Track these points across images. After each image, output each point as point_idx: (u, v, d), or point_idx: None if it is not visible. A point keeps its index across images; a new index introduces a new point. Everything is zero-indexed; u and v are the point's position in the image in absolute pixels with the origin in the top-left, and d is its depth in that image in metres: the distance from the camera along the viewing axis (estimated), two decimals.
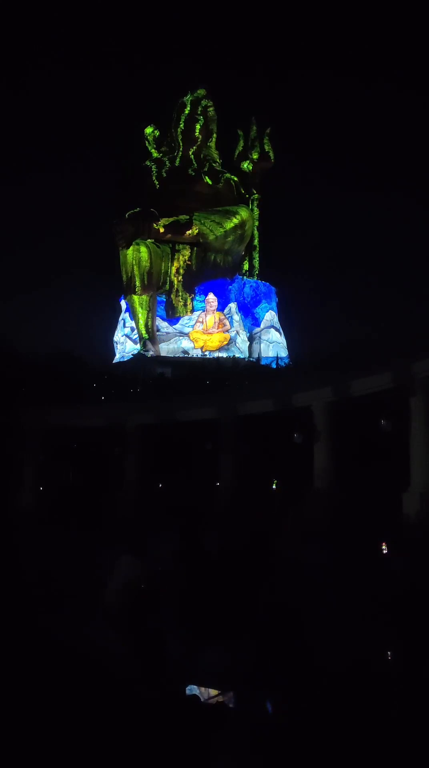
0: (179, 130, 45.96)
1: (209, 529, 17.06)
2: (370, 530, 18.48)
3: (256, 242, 46.19)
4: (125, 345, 43.68)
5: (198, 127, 45.91)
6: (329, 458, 27.40)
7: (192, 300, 42.63)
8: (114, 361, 43.52)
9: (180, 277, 42.50)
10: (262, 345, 43.22)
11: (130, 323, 43.03)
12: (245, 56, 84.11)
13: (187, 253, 42.80)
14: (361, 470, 26.23)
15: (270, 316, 44.40)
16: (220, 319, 42.46)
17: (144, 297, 41.47)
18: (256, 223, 46.04)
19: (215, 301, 42.68)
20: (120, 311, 45.01)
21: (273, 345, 43.46)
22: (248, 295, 43.93)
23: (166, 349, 41.83)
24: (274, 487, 30.11)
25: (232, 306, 42.81)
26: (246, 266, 46.07)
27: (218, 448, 30.37)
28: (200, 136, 45.98)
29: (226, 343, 42.10)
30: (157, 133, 46.30)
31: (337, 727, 6.72)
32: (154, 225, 41.78)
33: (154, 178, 44.84)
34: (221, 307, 42.68)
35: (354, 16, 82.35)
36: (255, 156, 46.56)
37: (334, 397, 27.66)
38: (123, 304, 44.06)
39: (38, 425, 32.04)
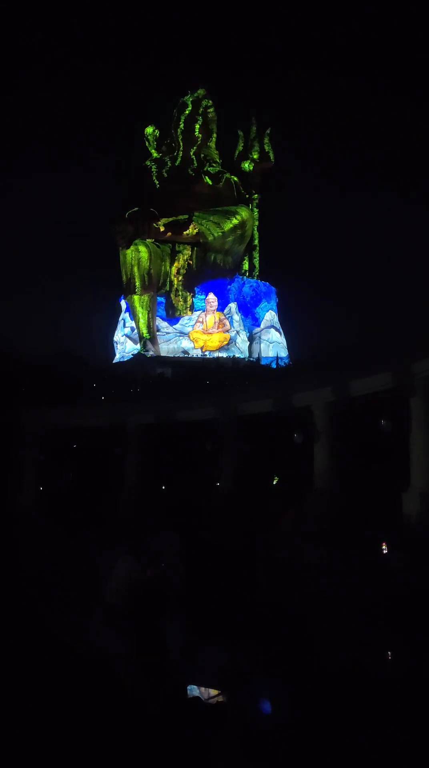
0: (179, 130, 46.01)
1: (209, 529, 17.08)
2: (370, 530, 18.48)
3: (256, 242, 46.24)
4: (125, 345, 43.67)
5: (198, 127, 45.98)
6: (329, 458, 27.36)
7: (192, 300, 42.65)
8: (114, 361, 43.52)
9: (180, 277, 42.50)
10: (262, 345, 43.23)
11: (130, 323, 43.02)
12: (245, 56, 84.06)
13: (187, 253, 42.82)
14: (361, 470, 26.23)
15: (270, 316, 44.41)
16: (220, 319, 42.48)
17: (144, 297, 41.44)
18: (256, 223, 46.08)
19: (215, 301, 42.69)
20: (120, 311, 45.01)
21: (273, 345, 43.46)
22: (248, 295, 43.94)
23: (166, 349, 41.82)
24: (274, 482, 30.08)
25: (232, 306, 42.83)
26: (246, 266, 46.10)
27: (218, 448, 30.35)
28: (200, 136, 46.06)
29: (226, 343, 42.11)
30: (157, 133, 46.32)
31: (337, 727, 6.73)
32: (154, 225, 41.80)
33: (154, 178, 44.87)
34: (221, 307, 42.68)
35: (354, 15, 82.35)
36: (255, 156, 46.64)
37: (334, 397, 27.63)
38: (123, 304, 44.04)
39: (38, 425, 32.01)
